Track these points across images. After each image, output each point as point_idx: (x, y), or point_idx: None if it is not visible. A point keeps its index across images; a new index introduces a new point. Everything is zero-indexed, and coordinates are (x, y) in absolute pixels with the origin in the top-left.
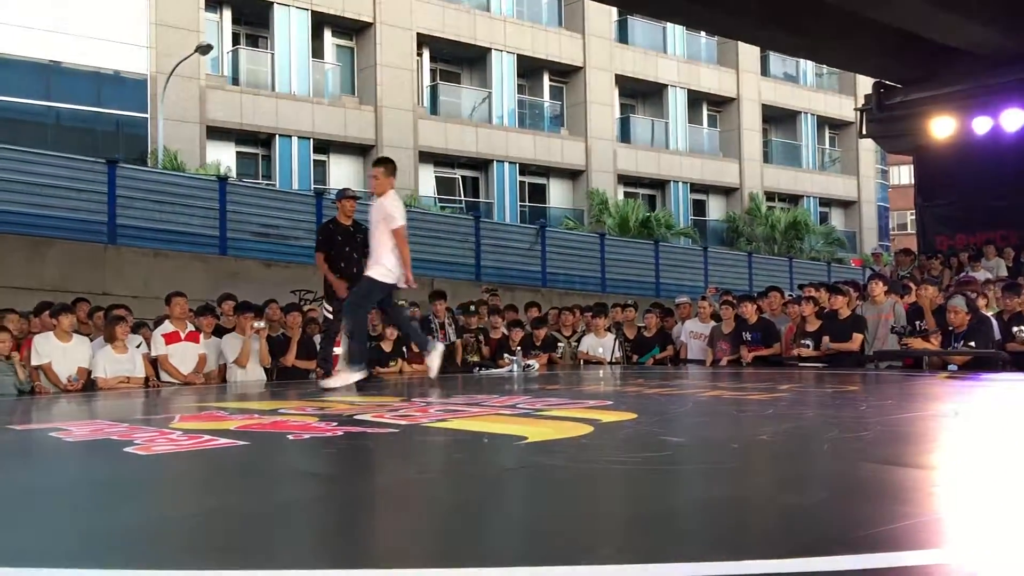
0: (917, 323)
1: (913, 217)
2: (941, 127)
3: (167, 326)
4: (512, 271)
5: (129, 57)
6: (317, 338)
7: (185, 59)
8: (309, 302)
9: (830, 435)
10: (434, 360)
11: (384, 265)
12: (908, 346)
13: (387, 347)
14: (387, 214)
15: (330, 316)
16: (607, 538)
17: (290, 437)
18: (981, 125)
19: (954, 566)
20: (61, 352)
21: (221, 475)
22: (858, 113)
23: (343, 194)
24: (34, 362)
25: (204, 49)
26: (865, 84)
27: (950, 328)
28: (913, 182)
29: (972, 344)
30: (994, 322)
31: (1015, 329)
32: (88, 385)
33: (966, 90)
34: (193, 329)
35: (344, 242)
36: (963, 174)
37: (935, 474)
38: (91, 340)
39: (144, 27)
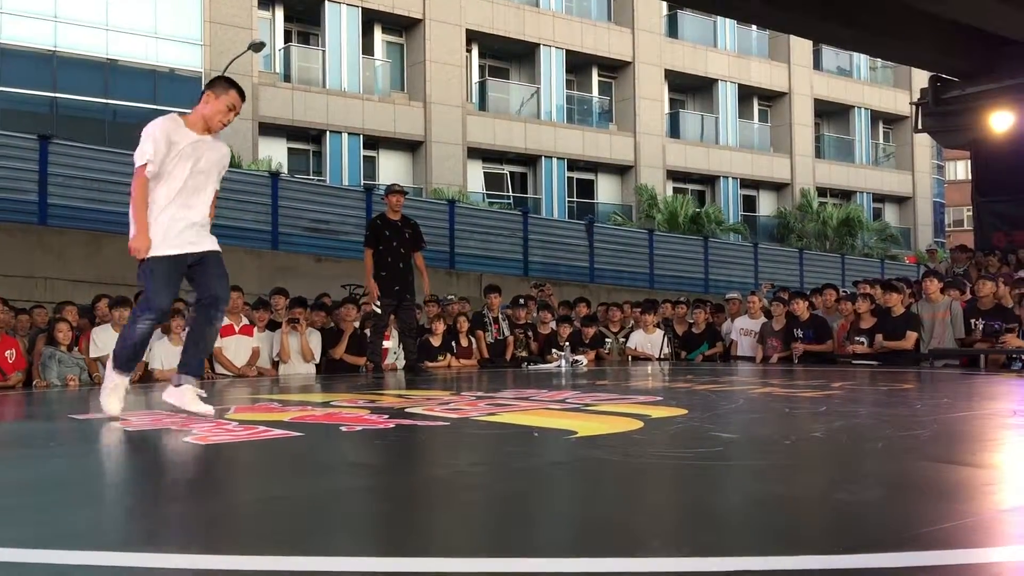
0: (972, 321)
1: (970, 213)
2: (1000, 121)
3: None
4: (560, 266)
5: (184, 55)
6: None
7: (238, 56)
8: (359, 297)
9: (884, 433)
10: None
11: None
12: (1005, 344)
13: (436, 342)
14: (226, 166)
15: (379, 311)
16: (659, 532)
17: (343, 429)
18: None
19: (1012, 565)
20: None
21: (277, 465)
22: (913, 107)
23: (391, 189)
24: (92, 354)
25: (257, 46)
26: (921, 78)
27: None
28: (970, 177)
29: None
30: None
31: None
32: (144, 376)
33: None
34: (247, 323)
35: (392, 237)
36: (1022, 169)
37: (992, 473)
38: None
39: (198, 25)
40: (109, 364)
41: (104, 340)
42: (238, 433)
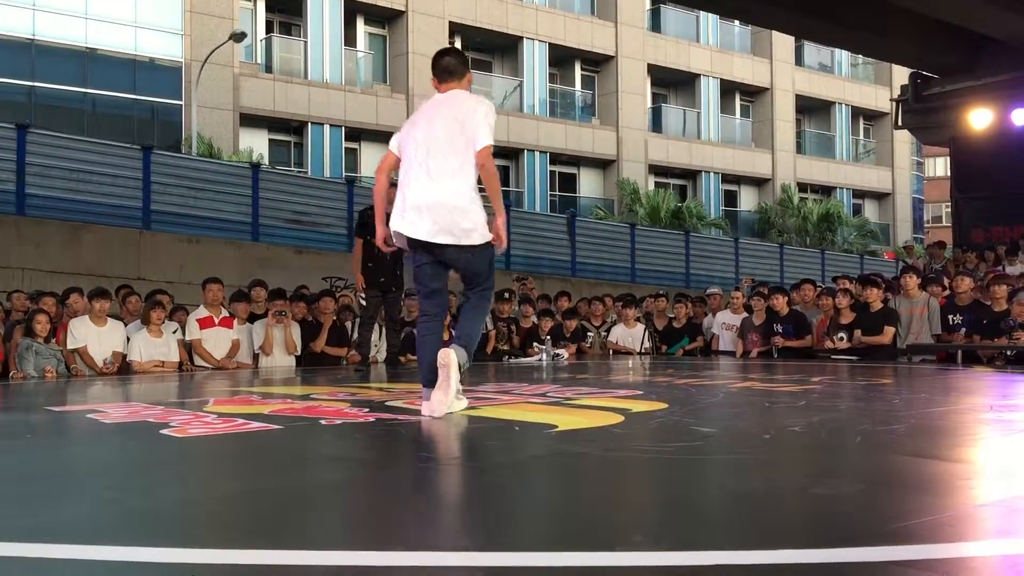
0: (950, 317)
1: (949, 209)
2: (979, 118)
3: (201, 311)
4: (542, 260)
5: (164, 44)
6: (348, 324)
7: (219, 47)
8: (340, 289)
9: (862, 427)
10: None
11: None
12: (1018, 340)
13: None
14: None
15: (363, 303)
16: (637, 526)
17: (323, 422)
18: (1020, 116)
19: (989, 559)
20: (96, 336)
21: (255, 458)
22: (894, 104)
23: None
24: (70, 345)
25: (238, 37)
26: (901, 74)
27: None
28: (949, 174)
29: None
30: None
31: None
32: (123, 368)
33: (1005, 81)
34: (227, 315)
35: None
36: (1000, 166)
37: (969, 467)
38: (125, 325)
39: (179, 15)
40: (453, 364)
41: (82, 332)
42: (216, 426)
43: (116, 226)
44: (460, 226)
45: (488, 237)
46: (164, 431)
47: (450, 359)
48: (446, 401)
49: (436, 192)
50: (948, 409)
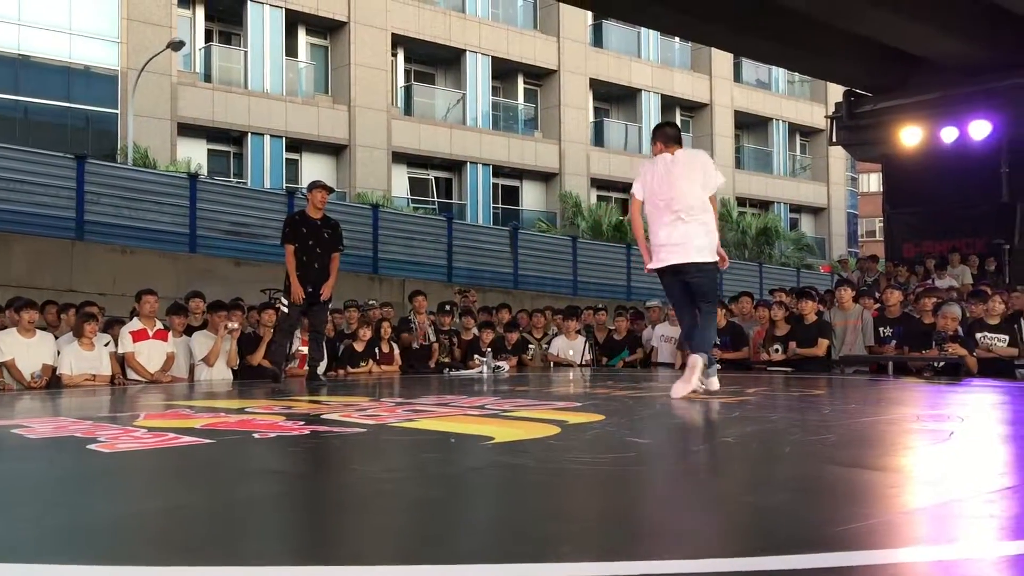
0: (881, 329)
1: (881, 224)
2: (909, 136)
3: (135, 324)
4: (484, 272)
5: (100, 52)
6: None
7: (156, 55)
8: (278, 301)
9: (794, 438)
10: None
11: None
12: (948, 351)
13: (359, 347)
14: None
15: (285, 311)
16: (571, 536)
17: (256, 436)
18: (948, 134)
19: (917, 565)
20: (24, 348)
21: (185, 473)
22: (829, 121)
23: (316, 184)
24: None
25: (176, 45)
26: (836, 92)
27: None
28: (882, 190)
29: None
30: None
31: (979, 336)
32: (53, 382)
33: (934, 100)
34: (162, 327)
35: (309, 236)
36: (930, 182)
37: (897, 476)
38: (57, 338)
39: (115, 22)
40: (697, 365)
41: (9, 344)
42: (146, 440)
43: (48, 236)
44: (692, 245)
45: (710, 259)
46: (91, 446)
47: (696, 362)
48: (686, 389)
49: (679, 235)
50: (878, 419)
